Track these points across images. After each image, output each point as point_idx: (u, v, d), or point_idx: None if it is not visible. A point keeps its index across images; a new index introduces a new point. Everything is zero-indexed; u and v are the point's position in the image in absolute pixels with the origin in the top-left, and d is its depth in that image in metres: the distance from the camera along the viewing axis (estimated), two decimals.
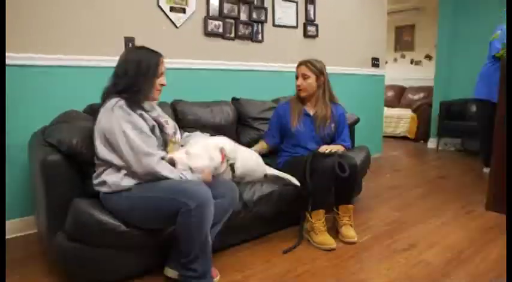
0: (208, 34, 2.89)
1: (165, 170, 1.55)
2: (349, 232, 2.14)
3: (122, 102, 1.54)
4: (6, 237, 2.15)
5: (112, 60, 2.40)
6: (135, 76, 1.61)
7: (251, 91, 3.07)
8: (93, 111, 2.11)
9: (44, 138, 1.67)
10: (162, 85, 1.71)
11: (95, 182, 1.61)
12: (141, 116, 1.59)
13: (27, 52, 2.15)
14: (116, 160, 1.54)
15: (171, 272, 1.67)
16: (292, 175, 2.15)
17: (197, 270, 1.50)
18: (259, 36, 3.18)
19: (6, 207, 2.15)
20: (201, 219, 1.47)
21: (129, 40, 2.52)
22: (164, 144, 1.67)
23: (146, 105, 1.69)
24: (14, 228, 2.20)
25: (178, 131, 1.84)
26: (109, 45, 2.45)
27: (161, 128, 1.67)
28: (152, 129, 1.62)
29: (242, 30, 3.05)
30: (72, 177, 1.66)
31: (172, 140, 1.73)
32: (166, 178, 1.54)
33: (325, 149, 2.19)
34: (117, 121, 1.51)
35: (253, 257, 1.96)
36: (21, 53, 2.13)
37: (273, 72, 3.31)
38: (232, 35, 3.02)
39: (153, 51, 1.69)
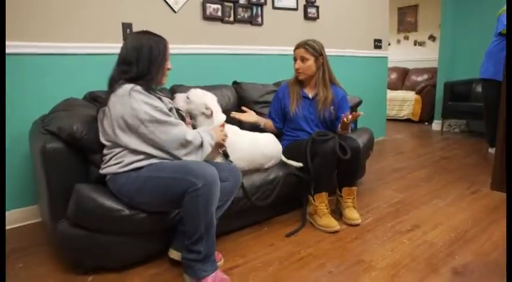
0: (207, 18, 2.84)
1: (190, 135, 1.60)
2: (352, 214, 2.14)
3: (139, 87, 1.55)
4: (10, 227, 2.17)
5: (110, 47, 2.40)
6: (148, 63, 1.60)
7: (252, 75, 3.03)
8: (92, 98, 2.12)
9: (44, 126, 1.66)
10: (168, 69, 1.72)
11: (106, 164, 1.60)
12: (159, 99, 1.62)
13: (22, 40, 2.12)
14: (136, 144, 1.54)
15: (174, 253, 1.68)
16: (295, 159, 2.14)
17: (201, 252, 1.50)
18: (259, 19, 3.13)
19: (9, 197, 2.17)
20: (207, 198, 1.47)
21: (126, 26, 2.48)
22: None
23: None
24: (18, 217, 2.21)
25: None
26: (107, 31, 2.42)
27: (178, 111, 1.74)
28: (170, 112, 1.66)
29: (241, 13, 3.00)
30: (74, 164, 1.66)
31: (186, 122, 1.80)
32: (189, 143, 1.59)
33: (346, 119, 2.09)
34: (137, 103, 1.50)
35: (256, 241, 1.96)
36: (16, 41, 2.10)
37: (274, 56, 3.26)
38: (232, 18, 2.97)
39: (158, 35, 1.68)
